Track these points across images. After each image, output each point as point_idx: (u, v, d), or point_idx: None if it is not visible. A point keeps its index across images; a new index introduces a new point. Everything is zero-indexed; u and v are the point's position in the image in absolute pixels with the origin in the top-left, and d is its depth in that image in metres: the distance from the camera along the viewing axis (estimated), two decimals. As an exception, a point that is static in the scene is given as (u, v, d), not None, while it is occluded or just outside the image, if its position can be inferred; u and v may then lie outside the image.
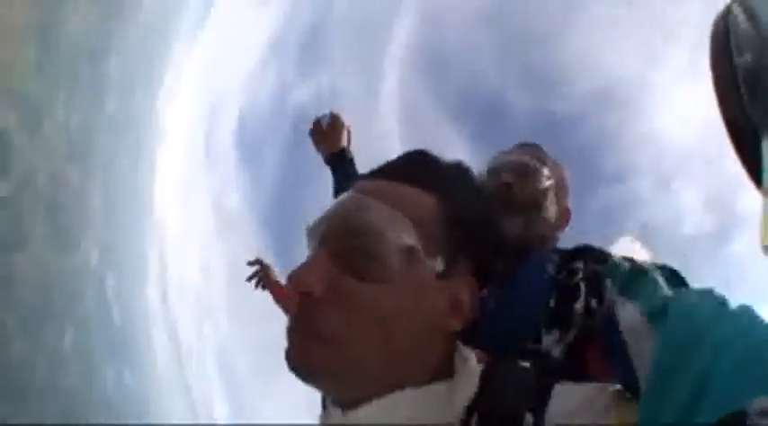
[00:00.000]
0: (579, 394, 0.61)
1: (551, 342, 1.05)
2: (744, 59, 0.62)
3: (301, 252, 0.67)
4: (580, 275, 1.09)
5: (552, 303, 1.08)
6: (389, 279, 0.60)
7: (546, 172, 1.30)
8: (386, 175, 0.69)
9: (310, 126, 1.64)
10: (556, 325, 1.05)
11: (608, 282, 1.06)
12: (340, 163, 1.58)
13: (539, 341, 1.06)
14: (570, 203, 1.44)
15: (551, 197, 1.30)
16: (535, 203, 1.26)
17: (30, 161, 9.62)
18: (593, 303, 1.06)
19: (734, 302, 0.56)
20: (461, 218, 0.66)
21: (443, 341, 0.65)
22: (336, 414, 0.63)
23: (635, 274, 0.67)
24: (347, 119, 1.64)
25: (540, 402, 0.59)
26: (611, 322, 0.65)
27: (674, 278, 0.91)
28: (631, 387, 0.59)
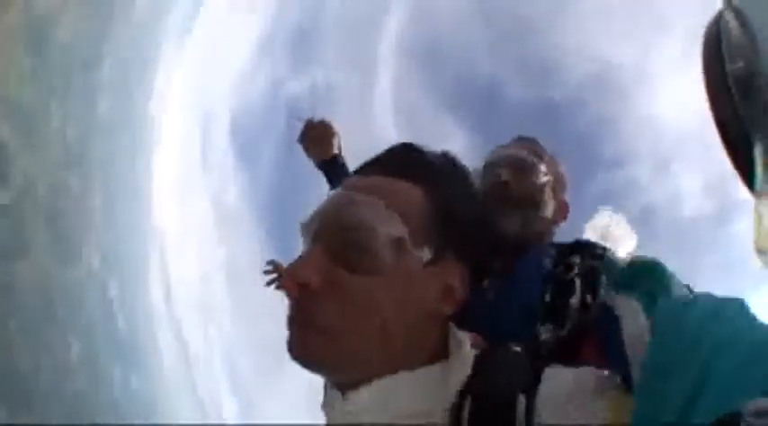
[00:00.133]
0: (571, 376, 0.63)
1: (545, 335, 1.07)
2: (735, 65, 0.63)
3: (301, 248, 0.69)
4: (576, 270, 1.11)
5: (548, 297, 1.10)
6: (381, 272, 0.63)
7: (543, 168, 1.29)
8: (373, 170, 0.71)
9: (299, 132, 1.60)
10: (550, 319, 1.07)
11: (603, 278, 1.08)
12: (333, 169, 1.56)
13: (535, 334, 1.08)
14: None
15: (549, 192, 1.30)
16: (532, 199, 1.26)
17: (28, 169, 9.59)
18: (589, 298, 1.07)
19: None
20: (448, 208, 0.68)
21: (436, 326, 0.68)
22: (336, 397, 0.66)
23: (633, 271, 0.68)
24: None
25: (532, 384, 0.60)
26: (606, 317, 0.67)
27: (666, 274, 0.93)
28: (626, 382, 0.60)
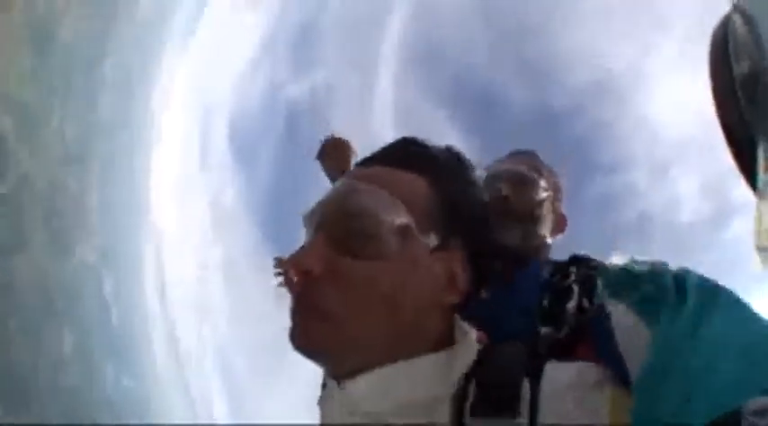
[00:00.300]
0: (571, 370, 0.63)
1: (544, 336, 1.09)
2: (742, 67, 0.64)
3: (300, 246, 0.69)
4: (573, 277, 1.14)
5: (546, 303, 1.12)
6: (385, 257, 0.63)
7: (543, 183, 1.32)
8: (377, 162, 0.72)
9: (318, 149, 1.65)
10: (548, 323, 1.09)
11: (600, 282, 1.10)
12: None
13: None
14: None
15: (548, 207, 1.33)
16: (532, 214, 1.29)
17: (27, 165, 9.57)
18: (585, 302, 1.09)
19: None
20: (452, 197, 0.68)
21: (441, 315, 0.68)
22: (335, 388, 0.65)
23: (627, 275, 0.68)
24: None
25: (534, 375, 0.61)
26: (602, 321, 0.68)
27: (665, 274, 0.94)
28: (621, 381, 0.60)
